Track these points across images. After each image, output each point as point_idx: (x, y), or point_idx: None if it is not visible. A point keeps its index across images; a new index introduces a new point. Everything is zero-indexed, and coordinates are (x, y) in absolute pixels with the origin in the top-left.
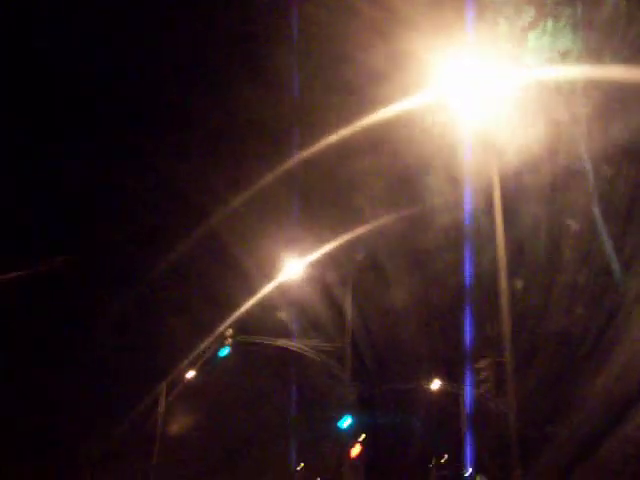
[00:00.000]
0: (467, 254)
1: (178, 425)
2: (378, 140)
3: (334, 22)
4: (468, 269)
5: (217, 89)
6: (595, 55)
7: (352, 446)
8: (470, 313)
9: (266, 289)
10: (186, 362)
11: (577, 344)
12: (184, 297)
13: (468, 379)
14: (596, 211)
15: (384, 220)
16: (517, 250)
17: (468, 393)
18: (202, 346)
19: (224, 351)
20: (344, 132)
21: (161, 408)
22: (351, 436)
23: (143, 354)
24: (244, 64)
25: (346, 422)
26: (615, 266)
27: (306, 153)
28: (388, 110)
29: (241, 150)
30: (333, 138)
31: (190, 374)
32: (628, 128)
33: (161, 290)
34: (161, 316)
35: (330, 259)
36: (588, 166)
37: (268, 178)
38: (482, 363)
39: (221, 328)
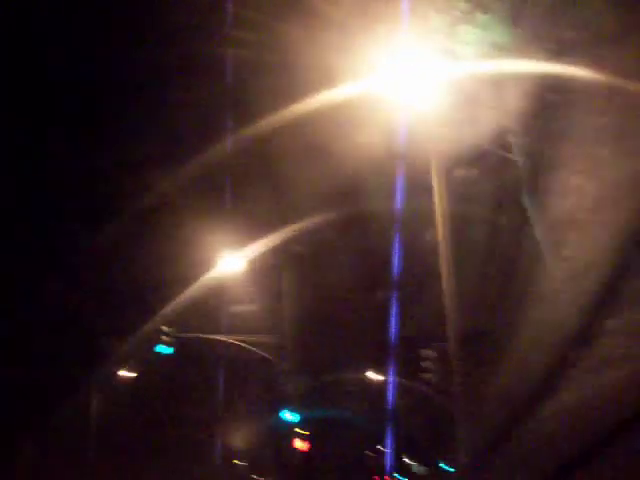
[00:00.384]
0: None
1: (112, 422)
2: (311, 133)
3: (269, 11)
4: (398, 259)
5: (146, 79)
6: (525, 49)
7: (296, 439)
8: (397, 303)
9: (201, 282)
10: (117, 358)
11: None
12: (111, 290)
13: (392, 368)
14: (526, 201)
15: (321, 215)
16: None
17: (391, 382)
18: (133, 342)
19: (161, 348)
20: (274, 121)
21: (93, 407)
22: (294, 430)
23: (74, 345)
24: (177, 54)
25: (289, 415)
26: (546, 253)
27: (239, 141)
28: (318, 99)
29: (172, 140)
30: (265, 125)
31: (123, 372)
32: (555, 121)
33: (87, 281)
34: (88, 309)
35: (267, 252)
36: (519, 157)
37: (196, 167)
38: (424, 352)
39: (153, 323)
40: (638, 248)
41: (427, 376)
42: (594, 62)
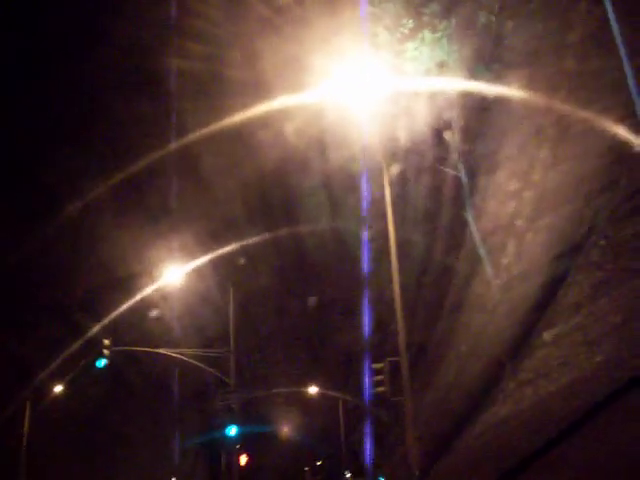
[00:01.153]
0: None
1: (46, 443)
2: (255, 145)
3: (224, 18)
4: (366, 272)
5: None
6: (467, 67)
7: (239, 454)
8: (369, 316)
9: (142, 294)
10: (52, 371)
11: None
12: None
13: (367, 381)
14: (468, 215)
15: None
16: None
17: (367, 395)
18: (68, 354)
19: (101, 362)
20: (217, 133)
21: (26, 427)
22: (236, 444)
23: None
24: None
25: (232, 430)
26: (486, 265)
27: (182, 152)
28: (262, 110)
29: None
30: (206, 138)
31: (58, 388)
32: (495, 138)
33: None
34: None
35: (212, 265)
36: (462, 174)
37: (138, 177)
38: (377, 365)
39: (90, 334)
40: (574, 256)
41: (380, 389)
42: (530, 79)
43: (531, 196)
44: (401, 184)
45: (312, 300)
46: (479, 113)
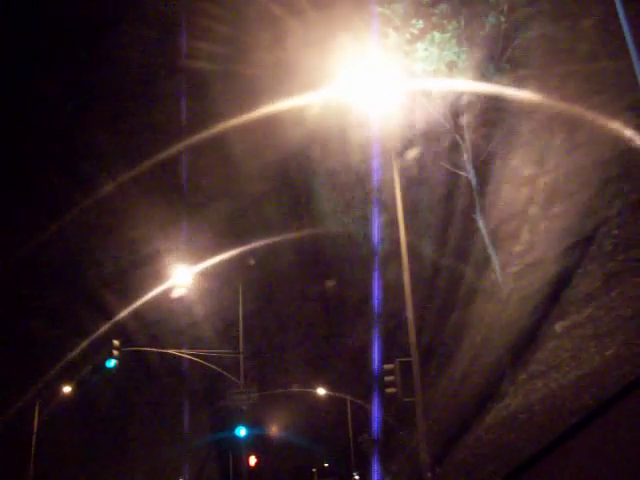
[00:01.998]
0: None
1: (54, 442)
2: (270, 145)
3: (234, 20)
4: (377, 281)
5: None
6: (477, 68)
7: (248, 455)
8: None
9: (151, 295)
10: (60, 371)
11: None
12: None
13: (376, 385)
14: (477, 218)
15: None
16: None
17: (376, 400)
18: (77, 354)
19: (111, 362)
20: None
21: (35, 427)
22: (247, 445)
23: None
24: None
25: (241, 431)
26: (495, 267)
27: (197, 152)
28: (277, 105)
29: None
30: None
31: (67, 388)
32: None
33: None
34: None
35: (221, 266)
36: (472, 175)
37: (152, 178)
38: (388, 366)
39: (98, 334)
40: (587, 246)
41: (390, 390)
42: (541, 79)
43: (545, 183)
44: (411, 183)
45: (330, 283)
46: (490, 113)
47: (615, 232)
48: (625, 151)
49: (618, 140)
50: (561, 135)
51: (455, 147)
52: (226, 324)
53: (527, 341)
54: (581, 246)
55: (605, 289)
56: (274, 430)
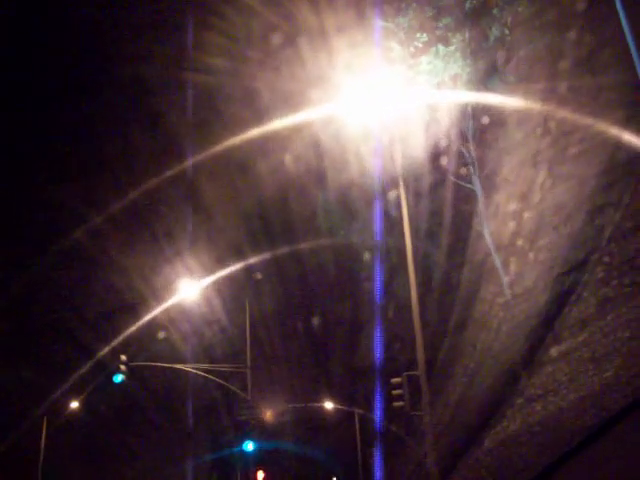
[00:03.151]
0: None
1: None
2: (273, 160)
3: (241, 38)
4: (379, 288)
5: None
6: (481, 80)
7: (256, 470)
8: (380, 332)
9: (158, 310)
10: (67, 388)
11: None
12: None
13: (378, 397)
14: (484, 230)
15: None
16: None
17: (378, 410)
18: (84, 371)
19: (118, 377)
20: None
21: (42, 443)
22: (254, 460)
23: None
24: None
25: (249, 445)
26: (503, 280)
27: (202, 167)
28: (283, 122)
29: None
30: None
31: (74, 404)
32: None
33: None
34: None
35: (228, 280)
36: (478, 188)
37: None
38: (395, 380)
39: (105, 351)
40: (579, 273)
41: (398, 404)
42: (547, 93)
43: (531, 215)
44: (412, 199)
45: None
46: (492, 126)
47: (607, 259)
48: (616, 180)
49: (610, 165)
50: (546, 166)
51: (458, 159)
52: (230, 338)
53: (524, 366)
54: (574, 273)
55: (600, 314)
56: (283, 444)
